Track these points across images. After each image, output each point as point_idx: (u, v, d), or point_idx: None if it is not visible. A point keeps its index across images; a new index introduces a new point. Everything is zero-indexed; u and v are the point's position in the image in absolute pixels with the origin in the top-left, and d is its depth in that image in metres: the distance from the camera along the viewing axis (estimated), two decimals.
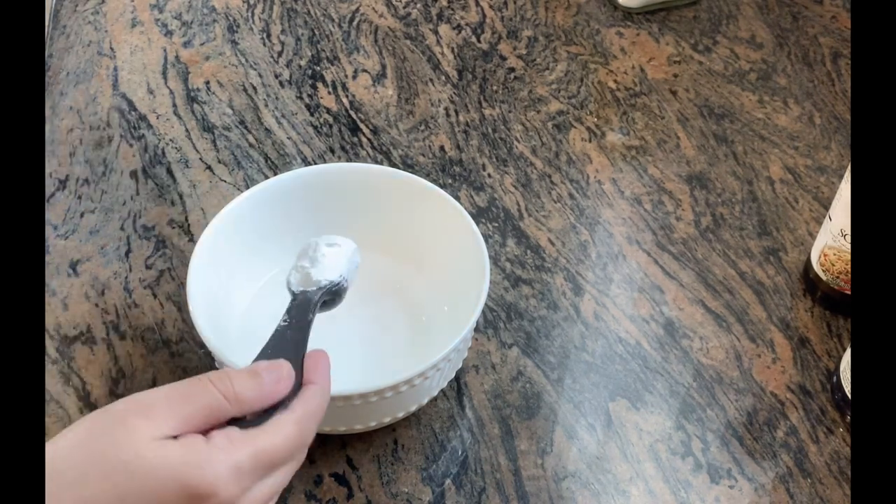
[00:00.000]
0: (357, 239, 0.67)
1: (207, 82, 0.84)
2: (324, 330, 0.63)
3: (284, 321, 0.50)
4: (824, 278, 0.67)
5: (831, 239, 0.65)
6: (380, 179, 0.66)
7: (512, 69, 0.86)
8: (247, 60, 0.86)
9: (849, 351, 0.61)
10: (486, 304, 0.67)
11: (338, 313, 0.63)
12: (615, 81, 0.86)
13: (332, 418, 0.56)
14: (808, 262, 0.69)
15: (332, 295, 0.54)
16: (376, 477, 0.58)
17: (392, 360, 0.62)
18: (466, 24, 0.91)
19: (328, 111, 0.82)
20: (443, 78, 0.85)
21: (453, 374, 0.60)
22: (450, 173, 0.77)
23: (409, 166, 0.77)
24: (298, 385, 0.45)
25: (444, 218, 0.63)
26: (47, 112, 0.80)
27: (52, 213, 0.72)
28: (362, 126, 0.80)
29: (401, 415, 0.58)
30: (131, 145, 0.78)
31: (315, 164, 0.77)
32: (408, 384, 0.54)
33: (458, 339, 0.55)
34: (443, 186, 0.74)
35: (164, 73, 0.84)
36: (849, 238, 0.63)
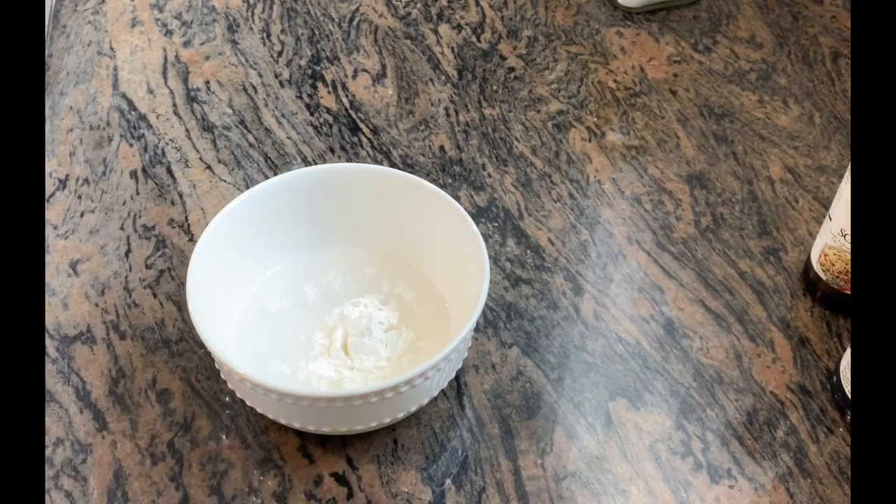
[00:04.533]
0: (357, 239, 0.67)
1: (207, 82, 0.84)
2: (324, 331, 0.63)
3: None
4: (824, 278, 0.67)
5: (831, 239, 0.65)
6: (380, 179, 0.66)
7: (512, 69, 0.86)
8: (247, 60, 0.86)
9: (849, 351, 0.61)
10: (486, 304, 0.67)
11: (337, 313, 0.63)
12: (615, 81, 0.86)
13: (333, 419, 0.56)
14: (808, 261, 0.69)
15: None
16: (376, 477, 0.58)
17: None
18: (466, 24, 0.91)
19: (328, 111, 0.82)
20: (443, 78, 0.85)
21: (453, 374, 0.60)
22: (450, 173, 0.77)
23: (409, 166, 0.77)
24: None
25: (444, 218, 0.63)
26: (47, 112, 0.80)
27: (52, 213, 0.72)
28: (362, 126, 0.80)
29: (401, 415, 0.58)
30: (131, 145, 0.78)
31: (315, 163, 0.77)
32: (408, 384, 0.54)
33: (458, 339, 0.55)
34: (443, 186, 0.74)
35: (164, 73, 0.84)
36: (849, 238, 0.63)
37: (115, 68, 0.85)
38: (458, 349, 0.57)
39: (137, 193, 0.74)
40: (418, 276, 0.66)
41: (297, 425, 0.57)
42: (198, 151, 0.78)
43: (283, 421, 0.57)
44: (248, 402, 0.58)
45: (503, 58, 0.88)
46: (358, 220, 0.67)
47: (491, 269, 0.61)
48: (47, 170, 0.75)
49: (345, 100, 0.83)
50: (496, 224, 0.73)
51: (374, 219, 0.66)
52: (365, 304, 0.63)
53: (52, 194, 0.74)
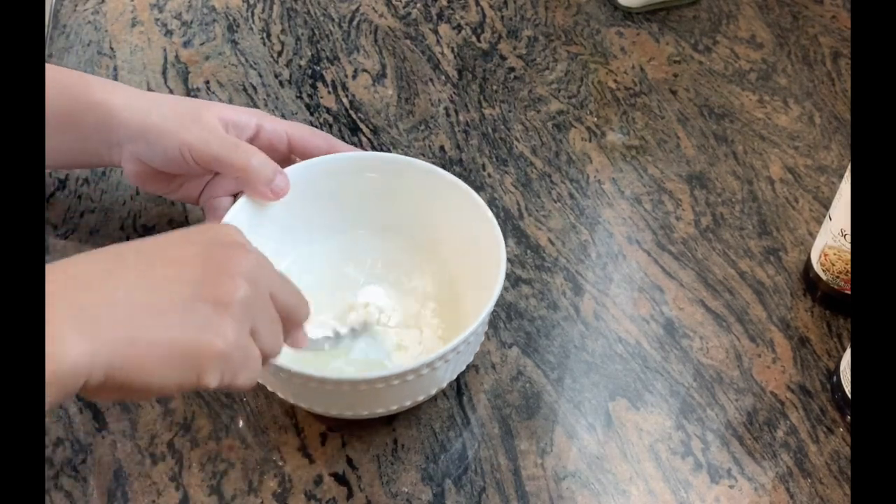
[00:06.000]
0: (373, 228, 0.67)
1: (207, 82, 0.84)
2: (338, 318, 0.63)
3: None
4: (824, 278, 0.67)
5: (831, 239, 0.65)
6: (397, 169, 0.66)
7: (512, 69, 0.86)
8: (247, 60, 0.86)
9: (849, 351, 0.61)
10: None
11: (350, 302, 0.64)
12: (615, 81, 0.86)
13: (339, 403, 0.56)
14: (808, 261, 0.69)
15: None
16: (376, 477, 0.58)
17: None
18: (466, 24, 0.91)
19: (328, 111, 0.82)
20: (443, 78, 0.85)
21: (463, 367, 0.60)
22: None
23: None
24: None
25: (466, 213, 0.63)
26: None
27: (52, 213, 0.72)
28: (362, 126, 0.80)
29: (408, 403, 0.58)
30: None
31: None
32: (414, 373, 0.54)
33: (467, 331, 0.55)
34: None
35: (164, 73, 0.84)
36: (849, 238, 0.63)
37: (115, 68, 0.85)
38: (469, 342, 0.57)
39: (137, 193, 0.74)
40: (437, 267, 0.66)
41: (304, 405, 0.58)
42: None
43: (291, 400, 0.58)
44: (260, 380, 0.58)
45: (503, 58, 0.88)
46: (373, 210, 0.67)
47: None
48: (47, 170, 0.75)
49: (345, 100, 0.83)
50: None
51: (391, 208, 0.67)
52: (378, 292, 0.64)
53: (52, 194, 0.74)
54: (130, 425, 0.60)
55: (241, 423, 0.60)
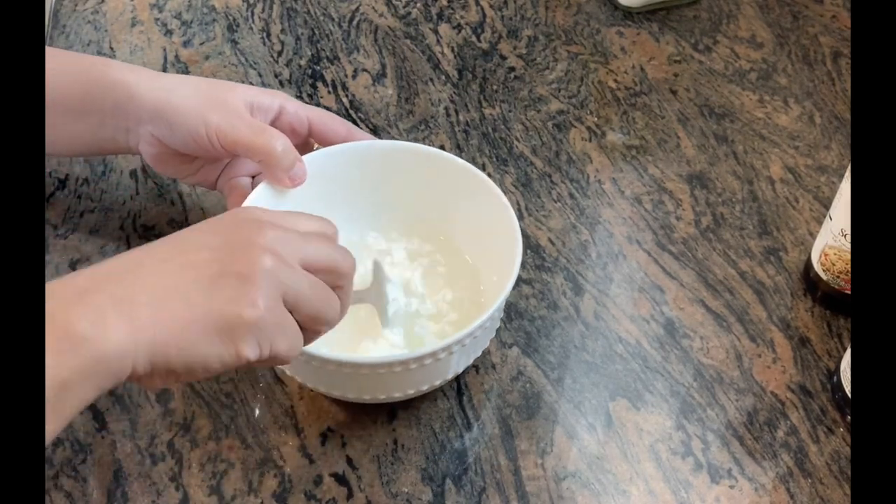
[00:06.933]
0: (388, 218, 0.67)
1: None
2: (354, 307, 0.63)
3: None
4: (825, 278, 0.67)
5: (832, 238, 0.65)
6: (417, 158, 0.66)
7: (512, 69, 0.86)
8: (247, 60, 0.86)
9: (849, 351, 0.61)
10: None
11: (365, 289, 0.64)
12: (615, 81, 0.86)
13: (350, 386, 0.57)
14: (809, 261, 0.69)
15: None
16: (376, 477, 0.58)
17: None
18: (466, 24, 0.91)
19: (328, 110, 0.82)
20: (443, 77, 0.85)
21: (471, 361, 0.60)
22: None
23: None
24: None
25: (479, 198, 0.63)
26: None
27: (52, 213, 0.72)
28: (362, 125, 0.80)
29: (425, 388, 0.58)
30: None
31: None
32: (432, 357, 0.55)
33: (483, 318, 0.55)
34: None
35: (164, 73, 0.84)
36: (849, 238, 0.63)
37: None
38: (485, 326, 0.57)
39: (137, 193, 0.74)
40: (453, 255, 0.66)
41: (322, 389, 0.59)
42: None
43: (309, 385, 0.59)
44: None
45: (503, 58, 0.88)
46: (390, 199, 0.67)
47: None
48: (47, 169, 0.75)
49: (345, 100, 0.83)
50: None
51: (408, 197, 0.67)
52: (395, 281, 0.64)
53: (52, 194, 0.74)
54: (130, 425, 0.60)
55: (241, 423, 0.60)
